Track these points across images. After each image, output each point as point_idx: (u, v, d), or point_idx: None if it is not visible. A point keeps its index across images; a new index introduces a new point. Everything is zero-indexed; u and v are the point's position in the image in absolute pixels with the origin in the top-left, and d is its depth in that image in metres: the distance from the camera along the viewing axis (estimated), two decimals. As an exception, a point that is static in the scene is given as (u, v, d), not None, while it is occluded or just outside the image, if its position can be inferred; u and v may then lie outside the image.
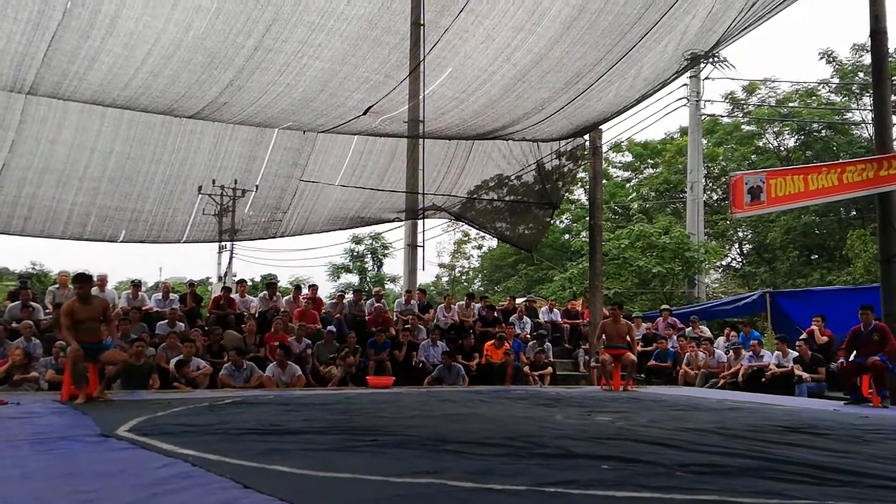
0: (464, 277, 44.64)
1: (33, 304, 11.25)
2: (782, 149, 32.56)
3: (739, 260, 35.48)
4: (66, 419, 5.84)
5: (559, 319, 15.13)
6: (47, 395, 8.30)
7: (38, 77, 8.63)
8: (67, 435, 4.80)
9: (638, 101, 11.95)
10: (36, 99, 9.77)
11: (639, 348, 13.45)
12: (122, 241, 12.04)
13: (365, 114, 10.39)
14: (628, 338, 11.30)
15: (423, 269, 17.25)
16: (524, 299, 17.15)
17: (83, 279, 7.93)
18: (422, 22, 9.16)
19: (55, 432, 4.93)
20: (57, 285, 12.25)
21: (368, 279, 38.18)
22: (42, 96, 9.48)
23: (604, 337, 11.28)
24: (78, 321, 7.63)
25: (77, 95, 9.34)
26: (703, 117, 27.28)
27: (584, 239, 27.56)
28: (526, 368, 12.65)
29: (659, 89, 11.75)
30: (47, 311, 11.29)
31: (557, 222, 34.80)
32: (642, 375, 13.05)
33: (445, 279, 45.72)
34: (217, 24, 8.13)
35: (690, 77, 24.27)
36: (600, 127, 13.57)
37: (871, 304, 9.58)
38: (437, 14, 9.00)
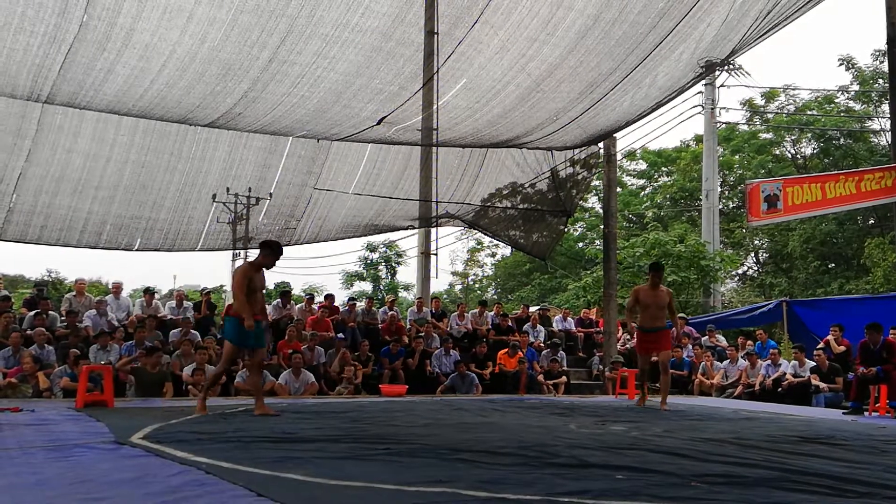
0: (477, 286, 44.60)
1: (50, 312, 11.33)
2: (799, 157, 32.36)
3: (756, 269, 35.22)
4: (80, 426, 5.86)
5: (573, 328, 15.10)
6: (62, 403, 8.35)
7: (55, 89, 8.70)
8: (82, 442, 4.82)
9: (653, 110, 11.88)
10: (52, 108, 9.85)
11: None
12: (137, 250, 12.12)
13: (379, 124, 10.43)
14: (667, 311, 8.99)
15: (437, 278, 17.27)
16: (538, 308, 17.11)
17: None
18: (436, 31, 9.18)
19: (70, 439, 4.95)
20: (73, 293, 12.34)
21: (382, 287, 38.22)
22: (58, 105, 9.57)
23: (636, 307, 8.97)
24: (255, 289, 7.12)
25: (93, 106, 9.43)
26: (718, 125, 27.16)
27: (598, 247, 27.50)
28: (540, 377, 12.58)
29: (674, 97, 11.69)
30: (62, 319, 11.37)
31: (571, 230, 34.73)
32: (657, 385, 12.91)
33: (459, 287, 45.70)
34: (232, 36, 8.17)
35: (705, 85, 24.18)
36: (615, 135, 13.53)
37: (879, 323, 9.53)
38: (451, 25, 9.02)
